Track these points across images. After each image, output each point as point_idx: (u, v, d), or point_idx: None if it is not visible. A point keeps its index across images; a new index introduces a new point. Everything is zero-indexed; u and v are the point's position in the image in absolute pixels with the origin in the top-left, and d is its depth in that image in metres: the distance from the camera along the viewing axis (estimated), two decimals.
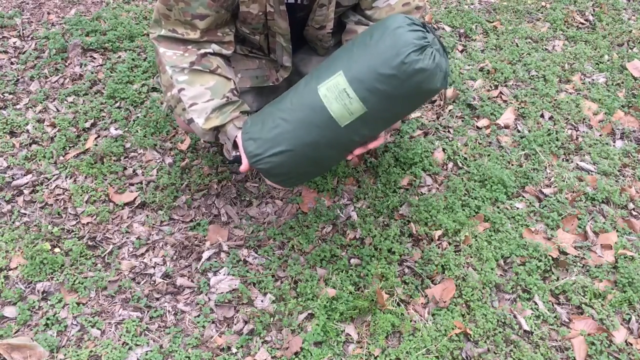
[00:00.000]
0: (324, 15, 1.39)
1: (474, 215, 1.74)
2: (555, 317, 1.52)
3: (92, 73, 2.17)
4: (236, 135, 1.35)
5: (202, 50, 1.36)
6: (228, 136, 1.36)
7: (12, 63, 2.21)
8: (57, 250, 1.61)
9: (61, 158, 1.87)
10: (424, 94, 1.22)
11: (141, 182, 1.81)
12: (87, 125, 1.97)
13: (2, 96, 2.07)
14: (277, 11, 1.35)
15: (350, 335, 1.46)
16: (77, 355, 1.39)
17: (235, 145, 1.37)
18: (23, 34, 2.34)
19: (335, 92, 1.21)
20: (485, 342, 1.46)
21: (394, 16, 1.21)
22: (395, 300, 1.53)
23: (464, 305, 1.53)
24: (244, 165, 1.33)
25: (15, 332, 1.43)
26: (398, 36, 1.16)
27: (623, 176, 1.93)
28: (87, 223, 1.69)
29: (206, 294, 1.54)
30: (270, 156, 1.28)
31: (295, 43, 1.49)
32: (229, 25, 1.40)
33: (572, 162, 1.96)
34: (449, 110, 2.12)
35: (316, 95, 1.23)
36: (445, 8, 2.66)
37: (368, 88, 1.19)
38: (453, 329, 1.46)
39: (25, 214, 1.71)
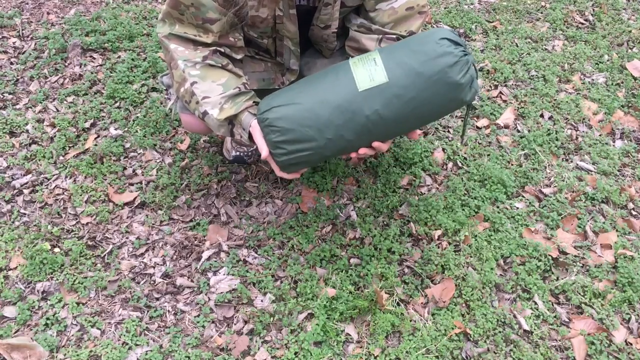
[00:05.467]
0: (329, 15, 1.39)
1: (473, 215, 1.74)
2: (555, 316, 1.52)
3: (92, 73, 2.17)
4: (251, 124, 1.33)
5: (214, 48, 1.37)
6: (243, 125, 1.34)
7: (11, 63, 2.22)
8: (56, 250, 1.61)
9: (61, 158, 1.87)
10: (447, 85, 1.22)
11: (141, 182, 1.81)
12: (87, 125, 1.97)
13: (1, 96, 2.07)
14: (287, 15, 1.35)
15: (350, 335, 1.46)
16: (77, 355, 1.39)
17: (250, 137, 1.35)
18: (23, 34, 2.34)
19: (364, 60, 1.26)
20: (485, 341, 1.46)
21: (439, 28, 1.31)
22: (395, 300, 1.53)
23: (463, 305, 1.53)
24: (264, 153, 1.30)
25: (15, 332, 1.43)
26: (437, 30, 1.26)
27: (623, 176, 1.93)
28: (87, 223, 1.69)
29: (206, 294, 1.54)
30: (278, 107, 1.27)
31: (300, 46, 1.49)
32: (238, 30, 1.40)
33: (571, 161, 1.97)
34: None
35: (346, 63, 1.28)
36: (445, 8, 2.66)
37: (396, 61, 1.23)
38: (453, 328, 1.46)
39: (25, 213, 1.71)
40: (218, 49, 1.37)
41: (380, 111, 1.23)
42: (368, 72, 1.23)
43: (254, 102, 1.37)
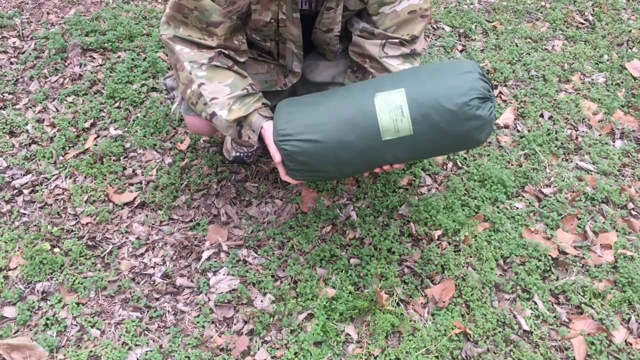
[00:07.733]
0: (331, 18, 1.39)
1: (473, 215, 1.74)
2: (555, 317, 1.52)
3: (92, 73, 2.17)
4: (262, 127, 1.34)
5: (219, 50, 1.37)
6: (253, 127, 1.35)
7: (11, 63, 2.21)
8: (56, 250, 1.61)
9: (61, 158, 1.87)
10: (469, 141, 1.25)
11: (141, 182, 1.81)
12: (87, 125, 1.97)
13: (1, 96, 2.07)
14: (290, 18, 1.35)
15: (350, 335, 1.46)
16: (77, 355, 1.39)
17: (260, 138, 1.36)
18: (22, 34, 2.34)
19: (391, 105, 1.22)
20: (485, 342, 1.46)
21: (469, 61, 1.27)
22: (395, 300, 1.53)
23: (463, 305, 1.53)
24: (277, 159, 1.32)
25: (15, 332, 1.43)
26: (469, 79, 1.21)
27: (622, 176, 1.93)
28: (87, 223, 1.69)
29: (206, 294, 1.54)
30: (299, 140, 1.26)
31: (303, 48, 1.49)
32: (241, 33, 1.41)
33: (571, 161, 1.96)
34: None
35: (371, 100, 1.24)
36: (444, 8, 2.66)
37: (423, 114, 1.21)
38: (453, 329, 1.46)
39: (24, 214, 1.71)
40: (223, 51, 1.37)
41: (399, 156, 1.28)
42: (394, 122, 1.22)
43: (262, 103, 1.38)
